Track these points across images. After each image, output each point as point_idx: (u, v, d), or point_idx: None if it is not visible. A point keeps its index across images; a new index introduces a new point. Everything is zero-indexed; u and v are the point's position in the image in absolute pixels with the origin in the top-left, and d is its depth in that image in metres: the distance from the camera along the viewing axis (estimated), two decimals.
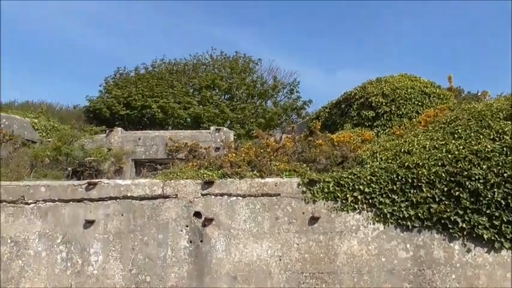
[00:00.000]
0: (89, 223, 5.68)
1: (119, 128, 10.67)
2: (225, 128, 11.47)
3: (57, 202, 5.76)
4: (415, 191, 5.61)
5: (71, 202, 5.77)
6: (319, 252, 5.64)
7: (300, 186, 5.82)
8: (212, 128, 11.12)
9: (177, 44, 37.33)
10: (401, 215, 5.60)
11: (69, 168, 8.40)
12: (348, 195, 5.69)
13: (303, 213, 5.75)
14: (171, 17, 38.06)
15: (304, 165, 6.26)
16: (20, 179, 6.48)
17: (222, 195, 5.80)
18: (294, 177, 5.95)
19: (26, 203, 5.74)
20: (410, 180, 5.62)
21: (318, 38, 39.03)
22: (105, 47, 36.87)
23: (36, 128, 10.46)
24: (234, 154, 6.37)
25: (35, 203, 5.74)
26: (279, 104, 18.52)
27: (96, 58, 36.36)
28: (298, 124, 12.87)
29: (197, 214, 5.75)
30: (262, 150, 6.47)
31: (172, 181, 5.85)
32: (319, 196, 5.76)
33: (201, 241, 5.67)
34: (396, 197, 5.63)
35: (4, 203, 5.72)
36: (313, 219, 5.71)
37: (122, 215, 5.72)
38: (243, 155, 6.31)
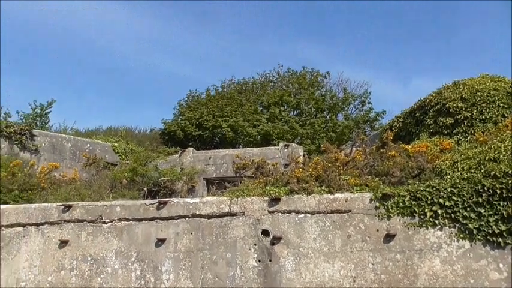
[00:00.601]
0: (161, 241, 5.79)
1: (191, 148, 11.00)
2: (293, 144, 11.32)
3: (131, 221, 5.97)
4: (505, 203, 4.99)
5: (143, 221, 5.95)
6: (397, 272, 5.20)
7: (373, 202, 5.46)
8: (281, 144, 11.03)
9: (244, 64, 38.23)
10: (490, 231, 5.00)
11: (145, 188, 8.78)
12: (426, 210, 5.22)
13: (377, 230, 5.37)
14: (237, 39, 39.18)
15: (377, 178, 5.89)
16: (101, 199, 6.87)
17: (289, 212, 5.62)
18: (366, 192, 5.60)
19: (104, 222, 6.02)
20: (498, 191, 5.01)
21: (391, 46, 37.68)
22: (178, 71, 38.85)
23: (116, 151, 11.13)
24: (300, 169, 6.18)
25: (112, 222, 6.00)
26: (350, 117, 18.01)
27: (172, 83, 38.40)
28: (370, 136, 12.32)
29: (265, 232, 5.62)
30: (330, 165, 6.21)
31: (239, 198, 5.80)
32: (394, 211, 5.35)
33: (270, 260, 5.52)
34: (483, 211, 5.05)
35: (85, 222, 6.06)
36: (389, 237, 5.31)
37: (191, 233, 5.77)
38: (310, 170, 6.10)
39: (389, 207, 5.37)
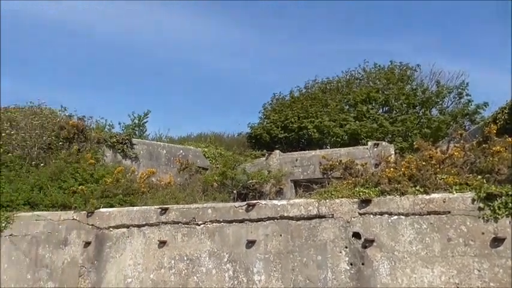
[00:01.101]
0: (251, 243, 5.90)
1: (277, 151, 11.08)
2: (384, 143, 10.82)
3: (222, 223, 6.17)
4: None
5: (234, 223, 6.11)
6: (510, 281, 4.68)
7: (476, 202, 4.99)
8: (370, 143, 10.62)
9: (328, 64, 37.63)
10: None
11: (235, 191, 9.04)
12: None
13: (482, 233, 4.89)
14: (319, 40, 38.69)
15: (479, 177, 5.37)
16: (195, 202, 7.22)
17: (381, 214, 5.37)
18: (467, 192, 5.14)
19: (197, 224, 6.30)
20: None
21: (488, 31, 34.36)
22: (262, 75, 39.50)
23: (206, 156, 11.64)
24: (392, 169, 5.87)
25: (204, 224, 6.26)
26: (446, 111, 16.73)
27: (257, 87, 39.18)
28: (470, 131, 11.31)
29: (356, 235, 5.43)
30: (424, 163, 5.80)
31: (327, 200, 5.69)
32: (502, 213, 4.84)
33: (363, 264, 5.31)
34: None
35: (180, 224, 6.40)
36: (497, 241, 4.81)
37: (280, 235, 5.79)
38: (402, 170, 5.76)
39: (496, 208, 4.87)
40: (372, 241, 5.30)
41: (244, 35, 40.33)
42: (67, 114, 10.07)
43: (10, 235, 7.51)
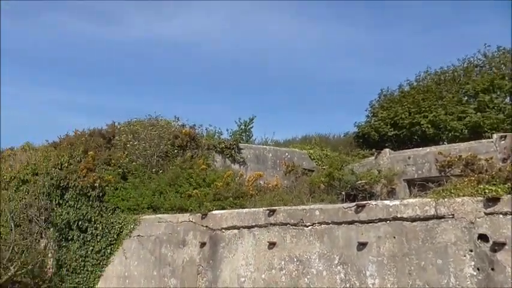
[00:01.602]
0: (362, 245, 5.65)
1: (387, 149, 10.50)
2: None
3: (330, 224, 6.02)
4: None
5: (343, 224, 5.92)
6: None
7: None
8: (495, 136, 9.46)
9: (440, 53, 34.74)
10: None
11: (343, 192, 8.77)
12: None
13: None
14: (426, 28, 35.94)
15: None
16: (302, 204, 7.18)
17: None
18: None
19: (305, 225, 6.25)
20: None
21: None
22: (365, 73, 38.07)
23: (312, 157, 11.53)
24: None
25: (312, 225, 6.18)
26: None
27: (362, 85, 37.90)
28: None
29: (482, 237, 4.85)
30: None
31: (445, 199, 5.19)
32: None
33: (492, 269, 4.72)
34: None
35: (288, 225, 6.41)
36: None
37: (394, 237, 5.43)
38: None
39: None
40: (503, 244, 4.68)
41: (346, 33, 39.40)
42: (180, 124, 10.84)
43: (138, 235, 8.32)
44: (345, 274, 5.74)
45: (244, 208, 7.35)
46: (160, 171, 9.58)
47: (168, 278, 7.63)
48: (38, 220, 9.41)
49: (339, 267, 5.82)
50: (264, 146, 11.94)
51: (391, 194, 9.50)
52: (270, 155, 11.10)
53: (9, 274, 8.69)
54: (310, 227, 6.18)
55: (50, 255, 9.41)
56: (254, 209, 6.92)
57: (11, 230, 9.49)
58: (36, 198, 9.51)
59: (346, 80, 39.32)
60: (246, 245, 6.73)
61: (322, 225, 6.08)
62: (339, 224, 5.95)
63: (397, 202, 5.60)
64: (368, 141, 15.05)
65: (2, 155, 12.04)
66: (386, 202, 5.72)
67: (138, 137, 10.11)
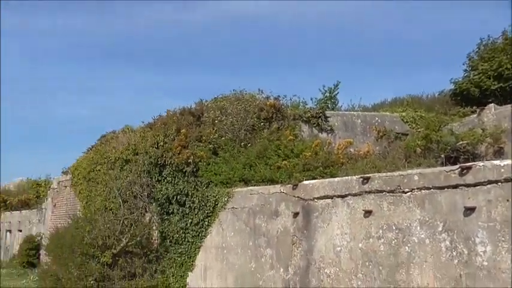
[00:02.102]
0: (469, 210, 5.18)
1: (491, 105, 9.48)
2: None
3: (431, 189, 5.60)
4: None
5: (445, 189, 5.47)
6: None
7: None
8: None
9: None
10: None
11: (442, 155, 8.14)
12: None
13: None
14: None
15: None
16: (397, 170, 6.80)
17: None
18: None
19: (403, 192, 5.89)
20: None
21: None
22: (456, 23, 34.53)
23: (404, 120, 10.86)
24: None
25: (411, 191, 5.81)
26: None
27: (456, 38, 34.60)
28: None
29: None
30: None
31: None
32: None
33: None
34: None
35: (384, 193, 6.11)
36: None
37: (507, 200, 4.89)
38: None
39: None
40: None
41: None
42: (264, 96, 10.83)
43: (232, 207, 8.59)
44: (450, 242, 5.34)
45: (335, 177, 7.17)
46: (249, 145, 9.72)
47: (264, 248, 7.81)
48: (141, 196, 10.19)
49: (443, 234, 5.42)
50: (352, 112, 11.51)
51: (499, 154, 8.59)
52: (359, 121, 10.66)
53: (121, 245, 9.60)
54: (408, 193, 5.82)
55: (154, 227, 10.18)
56: (347, 177, 6.70)
57: (120, 205, 10.41)
58: (138, 176, 10.28)
59: (437, 34, 36.17)
60: (340, 214, 6.58)
61: (422, 191, 5.69)
62: (441, 188, 5.51)
63: (508, 162, 5.01)
64: (467, 98, 13.72)
65: (105, 138, 13.17)
66: (496, 162, 5.14)
67: (225, 113, 10.32)
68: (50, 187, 17.77)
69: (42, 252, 13.69)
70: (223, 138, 9.89)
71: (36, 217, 18.40)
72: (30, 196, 21.17)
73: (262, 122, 10.10)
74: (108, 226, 9.60)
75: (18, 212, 20.43)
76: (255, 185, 8.45)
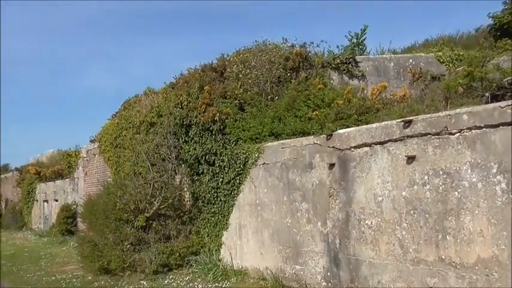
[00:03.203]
0: None
1: None
2: None
3: (483, 129, 5.07)
4: None
5: (500, 126, 4.93)
6: None
7: None
8: None
9: None
10: None
11: (486, 94, 7.48)
12: None
13: None
14: None
15: None
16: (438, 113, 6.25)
17: None
18: None
19: (450, 133, 5.38)
20: None
21: None
22: None
23: (441, 60, 10.11)
24: None
25: (459, 132, 5.29)
26: None
27: None
28: None
29: None
30: None
31: None
32: None
33: None
34: None
35: (429, 136, 5.61)
36: None
37: None
38: None
39: None
40: None
41: None
42: (289, 45, 10.22)
43: (263, 163, 8.28)
44: (507, 184, 4.86)
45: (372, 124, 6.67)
46: (276, 98, 9.27)
47: (299, 203, 7.52)
48: (169, 158, 10.01)
49: (498, 176, 4.94)
50: (384, 55, 10.78)
51: None
52: (392, 64, 9.97)
53: (154, 208, 9.54)
54: (457, 135, 5.31)
55: (185, 189, 10.04)
56: (386, 123, 6.20)
57: (149, 169, 10.28)
58: (164, 138, 10.05)
59: None
60: (381, 162, 6.15)
61: (473, 131, 5.16)
62: (495, 126, 4.96)
63: None
64: (508, 32, 12.66)
65: (128, 103, 12.96)
66: None
67: (248, 66, 9.82)
68: (80, 156, 17.96)
69: (79, 219, 13.95)
70: (248, 92, 9.45)
71: (70, 186, 18.77)
72: (63, 166, 21.54)
73: (288, 72, 9.57)
74: (139, 190, 9.51)
75: (53, 182, 20.91)
76: (285, 139, 8.07)
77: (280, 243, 7.93)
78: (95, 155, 15.75)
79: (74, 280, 9.90)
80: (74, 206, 17.22)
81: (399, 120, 6.00)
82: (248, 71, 9.69)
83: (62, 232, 17.47)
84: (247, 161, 8.57)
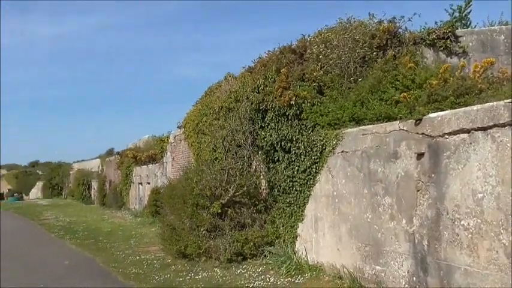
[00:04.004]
0: None
1: None
2: None
3: None
4: None
5: None
6: None
7: None
8: None
9: None
10: None
11: None
12: None
13: None
14: None
15: None
16: None
17: None
18: None
19: None
20: None
21: None
22: None
23: None
24: None
25: None
26: None
27: None
28: None
29: None
30: None
31: None
32: None
33: None
34: None
35: None
36: None
37: None
38: None
39: None
40: None
41: None
42: (376, 21, 9.17)
43: (342, 151, 7.53)
44: None
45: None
46: (359, 79, 8.38)
47: (381, 196, 6.66)
48: (245, 144, 9.69)
49: None
50: (493, 27, 9.18)
51: None
52: (502, 37, 8.42)
53: (229, 195, 9.31)
54: None
55: (261, 176, 9.66)
56: (490, 104, 5.07)
57: (224, 155, 10.09)
58: (240, 124, 9.74)
59: None
60: (482, 151, 5.07)
61: None
62: None
63: None
64: None
65: (210, 89, 12.93)
66: None
67: (330, 46, 9.03)
68: (168, 142, 18.65)
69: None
70: (329, 74, 8.68)
71: (160, 170, 19.64)
72: (156, 151, 22.67)
73: (374, 51, 8.59)
74: (214, 176, 9.35)
75: (146, 166, 22.13)
76: (368, 124, 7.21)
77: (359, 239, 7.15)
78: (180, 140, 16.16)
79: (155, 262, 10.16)
80: (162, 189, 17.95)
81: (508, 100, 4.86)
82: (329, 51, 8.91)
83: (152, 213, 18.36)
84: (325, 149, 7.87)
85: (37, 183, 52.49)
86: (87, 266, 10.27)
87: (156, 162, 20.65)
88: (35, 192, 52.16)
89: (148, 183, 21.23)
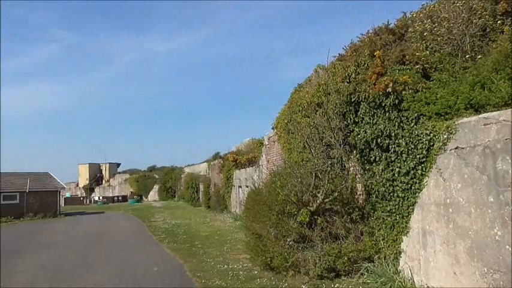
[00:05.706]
0: None
1: None
2: None
3: None
4: None
5: None
6: None
7: None
8: None
9: None
10: None
11: None
12: None
13: None
14: None
15: None
16: None
17: None
18: None
19: None
20: None
21: None
22: None
23: None
24: None
25: None
26: None
27: None
28: None
29: None
30: None
31: None
32: None
33: None
34: None
35: None
36: None
37: None
38: None
39: None
40: None
41: None
42: None
43: (455, 148, 5.88)
44: None
45: None
46: (478, 56, 6.59)
47: None
48: (335, 143, 8.40)
49: None
50: None
51: None
52: None
53: (318, 201, 8.13)
54: None
55: (357, 180, 8.29)
56: None
57: (313, 156, 8.91)
58: (330, 120, 8.49)
59: None
60: None
61: None
62: None
63: None
64: None
65: (300, 85, 11.85)
66: None
67: (437, 19, 7.34)
68: (264, 144, 18.00)
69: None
70: (436, 53, 7.03)
71: (256, 173, 19.10)
72: (256, 154, 22.29)
73: (498, 19, 6.72)
74: (300, 180, 8.24)
75: (244, 169, 21.85)
76: (491, 111, 5.49)
77: (483, 263, 5.44)
78: (274, 142, 15.35)
79: (241, 273, 9.41)
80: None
81: None
82: (437, 25, 7.23)
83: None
84: (433, 145, 6.27)
85: (154, 186, 56.67)
86: (173, 274, 9.94)
87: (253, 165, 20.21)
88: (152, 195, 56.37)
89: (247, 187, 20.86)
